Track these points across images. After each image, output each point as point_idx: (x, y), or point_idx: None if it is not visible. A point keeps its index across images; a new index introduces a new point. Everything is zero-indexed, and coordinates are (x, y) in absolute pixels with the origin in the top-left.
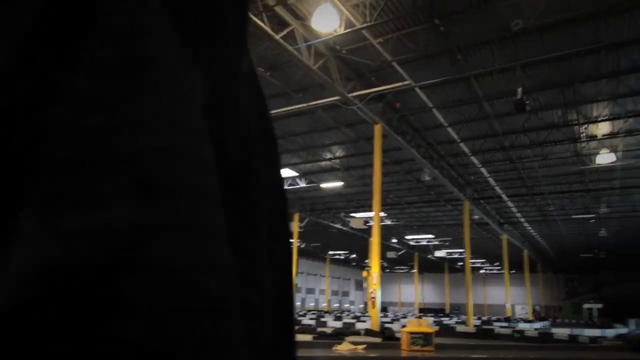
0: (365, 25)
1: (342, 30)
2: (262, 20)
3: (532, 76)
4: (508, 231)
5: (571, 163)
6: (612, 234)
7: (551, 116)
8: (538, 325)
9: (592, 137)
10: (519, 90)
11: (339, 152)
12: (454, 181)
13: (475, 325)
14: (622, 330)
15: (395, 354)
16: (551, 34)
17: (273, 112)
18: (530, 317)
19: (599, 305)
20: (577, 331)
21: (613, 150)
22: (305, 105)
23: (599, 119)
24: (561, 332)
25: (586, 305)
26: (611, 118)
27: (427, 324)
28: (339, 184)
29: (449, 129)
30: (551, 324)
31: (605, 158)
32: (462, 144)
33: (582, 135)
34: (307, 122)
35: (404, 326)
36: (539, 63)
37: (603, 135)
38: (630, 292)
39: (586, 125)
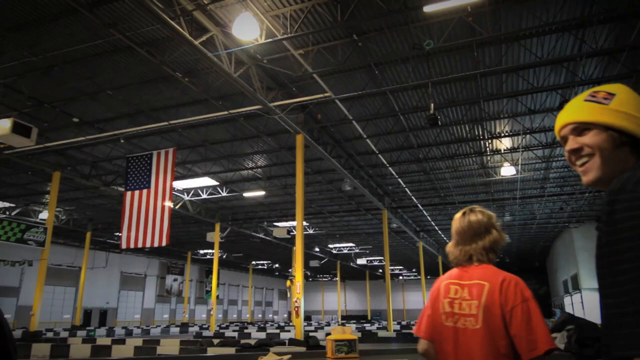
0: (285, 36)
1: (262, 40)
2: (180, 25)
3: (443, 93)
4: (424, 239)
5: (478, 175)
6: (514, 240)
7: (460, 131)
8: None
9: (496, 151)
10: (431, 105)
11: (260, 161)
12: (373, 191)
13: (395, 330)
14: None
15: None
16: (458, 54)
17: (193, 119)
18: None
19: None
20: None
21: (514, 163)
22: (226, 113)
23: (502, 135)
24: None
25: None
26: (511, 134)
27: (350, 331)
28: (261, 193)
29: (368, 141)
30: None
31: (507, 171)
32: (380, 155)
33: (487, 149)
34: (228, 130)
35: (328, 334)
36: (449, 81)
37: (505, 150)
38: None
39: (490, 140)
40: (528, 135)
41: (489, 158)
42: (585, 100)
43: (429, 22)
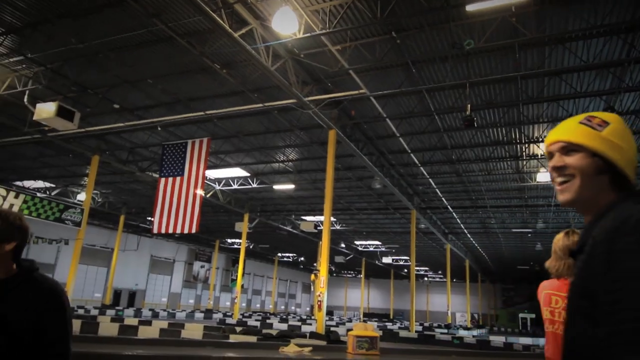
0: (324, 31)
1: (301, 34)
2: (221, 17)
3: (481, 94)
4: (452, 241)
5: (512, 179)
6: (546, 248)
7: (496, 134)
8: (476, 332)
9: (533, 156)
10: (468, 106)
11: (292, 155)
12: (403, 190)
13: (417, 331)
14: None
15: (341, 356)
16: (499, 55)
17: (228, 110)
18: (469, 325)
19: (533, 315)
20: (512, 339)
21: None
22: (260, 105)
23: (540, 140)
24: (497, 339)
25: (521, 315)
26: None
27: (372, 328)
28: (291, 186)
29: (401, 139)
30: (488, 331)
31: (544, 176)
32: (412, 155)
33: (523, 153)
34: (262, 123)
35: (349, 330)
36: (487, 82)
37: (542, 155)
38: None
39: (527, 145)
40: None
41: (524, 163)
42: (580, 123)
43: (471, 21)
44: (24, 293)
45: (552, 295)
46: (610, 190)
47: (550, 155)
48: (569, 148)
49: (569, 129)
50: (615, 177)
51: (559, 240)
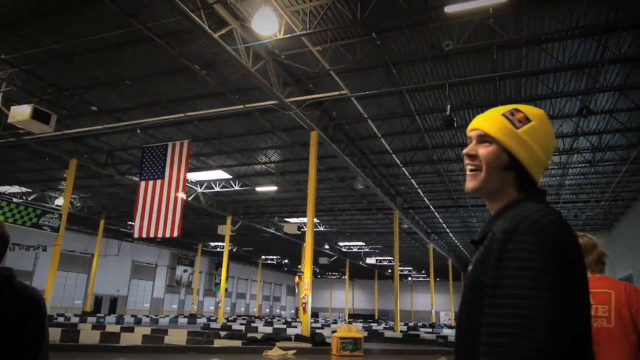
0: (304, 32)
1: (281, 35)
2: (200, 17)
3: (460, 95)
4: (434, 241)
5: None
6: None
7: None
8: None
9: None
10: (448, 107)
11: (274, 156)
12: (386, 190)
13: (402, 331)
14: None
15: (325, 358)
16: (478, 56)
17: (209, 111)
18: (453, 323)
19: None
20: None
21: None
22: (241, 106)
23: None
24: None
25: None
26: None
27: (356, 330)
28: (273, 188)
29: (382, 140)
30: None
31: None
32: (394, 155)
33: None
34: (243, 124)
35: (334, 331)
36: (466, 83)
37: None
38: None
39: None
40: None
41: None
42: (503, 115)
43: (450, 23)
44: (4, 301)
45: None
46: (515, 187)
47: (470, 139)
48: (484, 138)
49: (490, 119)
50: (521, 175)
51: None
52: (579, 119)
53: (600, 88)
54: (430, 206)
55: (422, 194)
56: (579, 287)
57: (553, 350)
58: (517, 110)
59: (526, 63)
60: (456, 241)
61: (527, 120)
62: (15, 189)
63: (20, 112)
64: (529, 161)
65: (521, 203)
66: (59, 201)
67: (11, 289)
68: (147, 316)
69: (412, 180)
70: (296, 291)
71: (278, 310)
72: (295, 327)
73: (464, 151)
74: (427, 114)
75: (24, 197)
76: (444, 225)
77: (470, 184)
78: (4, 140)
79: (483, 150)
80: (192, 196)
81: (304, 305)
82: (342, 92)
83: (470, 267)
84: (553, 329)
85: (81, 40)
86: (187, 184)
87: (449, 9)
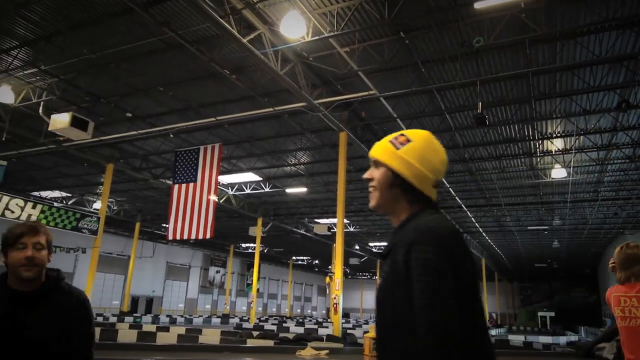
0: (332, 34)
1: (309, 38)
2: (229, 23)
3: (492, 92)
4: (467, 240)
5: (526, 176)
6: (563, 245)
7: (509, 131)
8: (495, 332)
9: (547, 153)
10: (479, 104)
11: (303, 158)
12: None
13: None
14: (573, 337)
15: (357, 359)
16: (510, 52)
17: (238, 115)
18: (488, 324)
19: (552, 313)
20: (531, 338)
21: (565, 165)
22: (271, 109)
23: (553, 136)
24: (517, 338)
25: (540, 313)
26: (564, 135)
27: None
28: (303, 189)
29: None
30: (507, 330)
31: (558, 173)
32: None
33: (537, 150)
34: (273, 127)
35: (366, 332)
36: (498, 80)
37: (556, 151)
38: (579, 301)
39: (541, 141)
40: (582, 137)
41: (538, 159)
42: (389, 141)
43: (480, 19)
44: (54, 303)
45: (620, 297)
46: (406, 201)
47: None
48: (376, 163)
49: (379, 147)
50: (407, 190)
51: (617, 255)
52: (618, 113)
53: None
54: (462, 205)
55: (453, 193)
56: (468, 283)
57: (444, 332)
58: (402, 134)
59: (561, 57)
60: (490, 241)
61: (407, 141)
62: (56, 193)
63: (60, 120)
64: (411, 176)
65: (418, 216)
66: (97, 205)
67: (60, 290)
68: (181, 316)
69: (443, 179)
70: (327, 292)
71: (309, 311)
72: (327, 327)
73: (363, 176)
74: (457, 112)
75: (64, 202)
76: (476, 224)
77: (370, 203)
78: (44, 147)
79: (376, 173)
80: (224, 198)
81: (335, 305)
82: (370, 92)
83: (382, 276)
84: (448, 317)
85: (116, 50)
86: (218, 187)
87: (478, 5)
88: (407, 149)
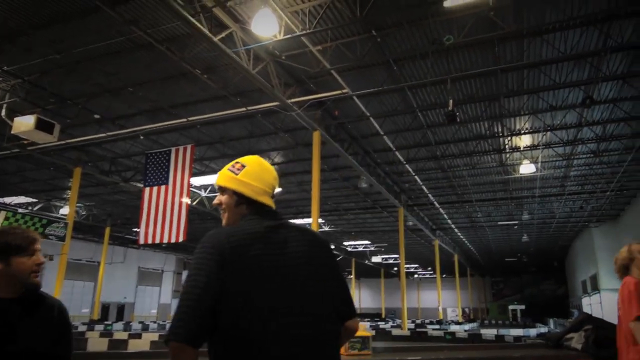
0: (304, 32)
1: (281, 36)
2: (200, 21)
3: (462, 89)
4: (440, 237)
5: (496, 172)
6: (532, 239)
7: (479, 128)
8: (467, 326)
9: (515, 149)
10: (450, 102)
11: (277, 158)
12: (390, 188)
13: (409, 329)
14: (543, 329)
15: None
16: (479, 50)
17: (211, 115)
18: (460, 319)
19: (522, 306)
20: (503, 331)
21: (533, 161)
22: (243, 109)
23: (522, 132)
24: (489, 332)
25: (511, 307)
26: (531, 131)
27: (364, 328)
28: (277, 189)
29: (385, 138)
30: (479, 325)
31: (526, 168)
32: (397, 153)
33: (506, 146)
34: (246, 127)
35: None
36: (468, 77)
37: (525, 147)
38: (549, 293)
39: (510, 137)
40: (549, 132)
41: (507, 156)
42: (228, 169)
43: (449, 17)
44: (39, 311)
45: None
46: (249, 213)
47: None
48: (222, 189)
49: (221, 175)
50: (251, 203)
51: (621, 254)
52: (583, 109)
53: (603, 77)
54: (435, 202)
55: (426, 190)
56: (201, 271)
57: (187, 307)
58: (237, 162)
59: (528, 55)
60: (462, 237)
61: (243, 167)
62: (21, 199)
63: (24, 123)
64: (251, 193)
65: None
66: (64, 210)
67: (41, 300)
68: (154, 322)
69: (416, 177)
70: None
71: None
72: None
73: (213, 203)
74: (429, 109)
75: (30, 207)
76: (449, 221)
77: (223, 222)
78: (8, 151)
79: (223, 198)
80: (197, 200)
81: None
82: (343, 91)
83: None
84: (189, 296)
85: (83, 49)
86: (191, 189)
87: (447, 3)
88: (244, 173)
